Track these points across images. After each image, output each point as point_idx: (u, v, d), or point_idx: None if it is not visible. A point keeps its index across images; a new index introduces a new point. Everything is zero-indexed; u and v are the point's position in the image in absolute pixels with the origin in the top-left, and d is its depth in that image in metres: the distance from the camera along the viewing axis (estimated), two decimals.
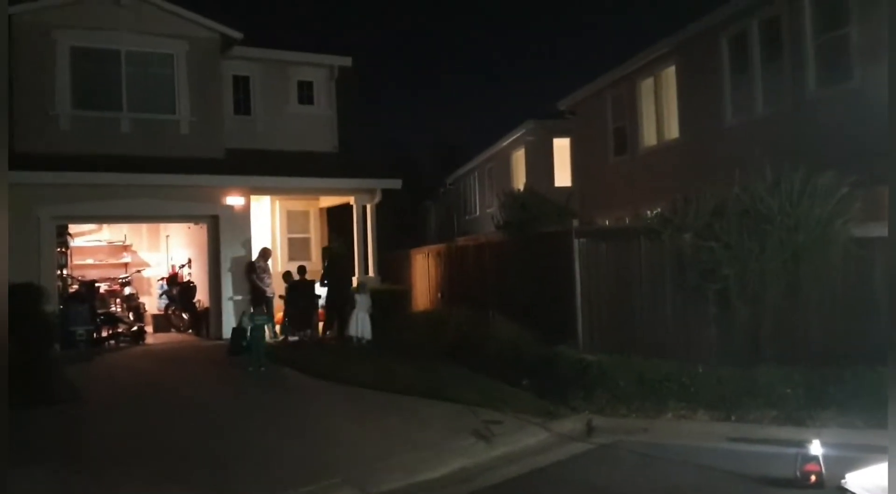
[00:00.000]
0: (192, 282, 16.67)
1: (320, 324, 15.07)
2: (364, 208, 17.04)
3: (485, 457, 6.82)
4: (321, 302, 15.18)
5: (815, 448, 5.74)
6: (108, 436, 7.81)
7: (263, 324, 12.26)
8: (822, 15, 12.06)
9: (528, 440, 7.33)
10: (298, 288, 14.76)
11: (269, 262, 15.22)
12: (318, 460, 6.68)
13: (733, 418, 7.68)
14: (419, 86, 73.70)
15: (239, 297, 14.94)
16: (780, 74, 12.99)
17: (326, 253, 16.74)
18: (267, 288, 14.59)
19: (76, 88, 15.00)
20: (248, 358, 11.70)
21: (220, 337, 14.80)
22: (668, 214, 9.62)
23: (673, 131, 16.41)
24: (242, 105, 17.64)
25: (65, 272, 15.71)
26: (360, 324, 13.81)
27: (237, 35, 16.26)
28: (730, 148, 13.73)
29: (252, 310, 12.84)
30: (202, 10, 15.99)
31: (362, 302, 13.98)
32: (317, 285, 15.22)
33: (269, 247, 15.86)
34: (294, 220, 18.76)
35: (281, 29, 62.59)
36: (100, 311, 15.35)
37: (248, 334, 12.12)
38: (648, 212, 15.48)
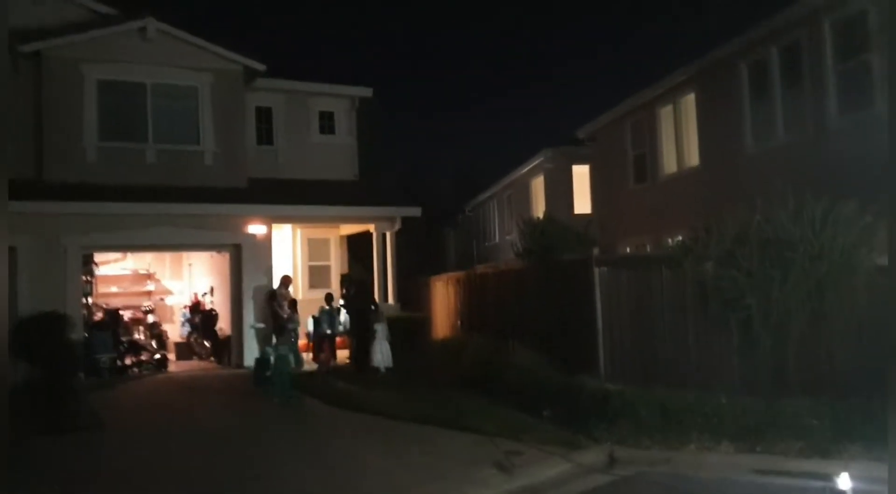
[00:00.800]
0: (214, 310, 16.80)
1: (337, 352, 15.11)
2: (384, 236, 17.14)
3: (505, 489, 6.76)
4: (339, 329, 15.22)
5: (844, 481, 5.62)
6: (128, 464, 7.84)
7: (286, 354, 12.28)
8: (843, 41, 12.01)
9: (549, 471, 7.27)
10: (328, 316, 14.84)
11: (290, 289, 15.33)
12: (338, 490, 6.67)
13: (758, 449, 7.56)
14: (438, 113, 74.17)
15: (261, 325, 15.02)
16: (801, 101, 12.92)
17: (346, 280, 16.81)
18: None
19: (103, 120, 15.30)
20: (271, 388, 11.72)
21: (241, 365, 14.87)
22: (690, 242, 9.56)
23: (693, 158, 16.37)
24: (265, 135, 17.92)
25: (90, 300, 15.92)
26: (383, 353, 13.84)
27: (260, 67, 16.54)
28: (751, 175, 13.67)
29: (275, 340, 12.87)
30: (226, 43, 16.31)
31: (382, 331, 14.01)
32: (342, 312, 15.29)
33: (289, 274, 15.97)
34: (315, 248, 18.90)
35: (302, 59, 63.49)
36: (123, 339, 15.54)
37: (272, 364, 12.15)
38: (669, 240, 15.48)
